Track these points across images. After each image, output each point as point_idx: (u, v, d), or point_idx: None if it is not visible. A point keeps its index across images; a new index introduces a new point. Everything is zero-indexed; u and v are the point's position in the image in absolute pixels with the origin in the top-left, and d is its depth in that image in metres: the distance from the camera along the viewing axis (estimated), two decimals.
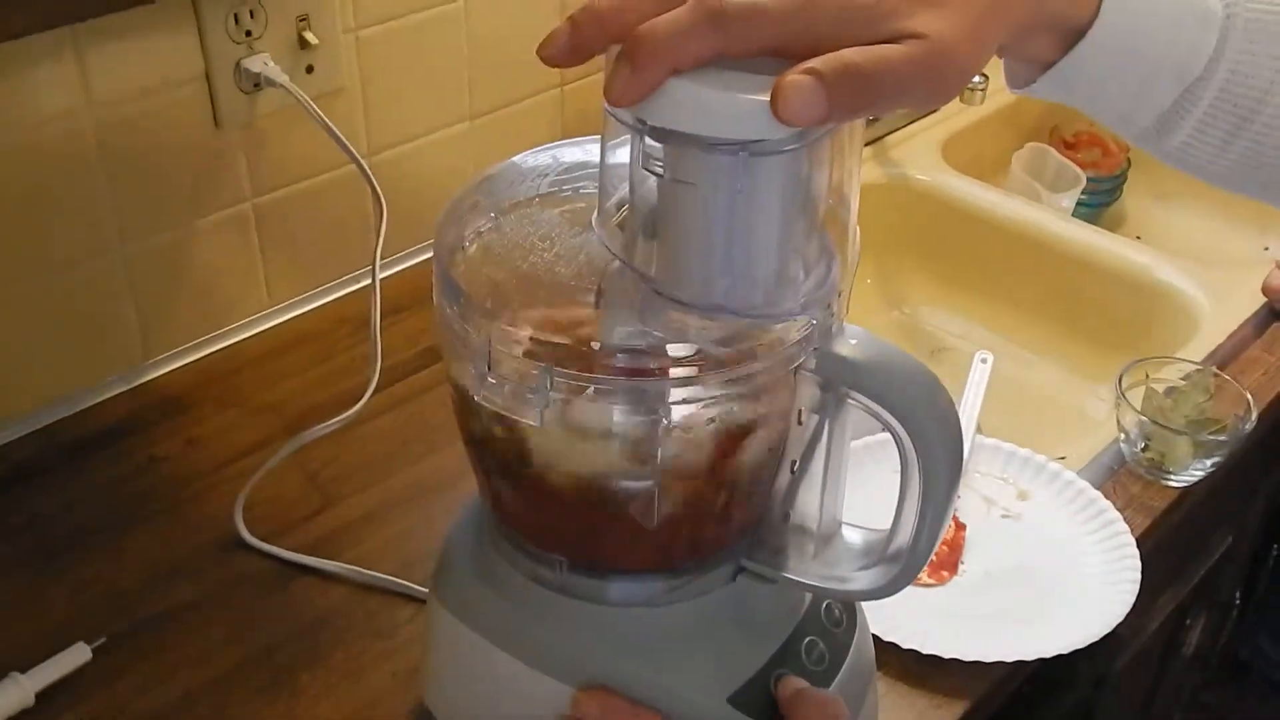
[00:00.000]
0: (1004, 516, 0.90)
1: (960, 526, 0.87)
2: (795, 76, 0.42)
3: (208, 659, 0.77)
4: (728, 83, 0.44)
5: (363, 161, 0.98)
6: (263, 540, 0.84)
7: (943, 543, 0.86)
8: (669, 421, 0.51)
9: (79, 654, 0.76)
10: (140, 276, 0.95)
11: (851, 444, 0.58)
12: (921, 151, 1.37)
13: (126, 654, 0.77)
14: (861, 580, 0.56)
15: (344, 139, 0.96)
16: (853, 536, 0.58)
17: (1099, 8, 0.52)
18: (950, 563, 0.85)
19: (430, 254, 0.55)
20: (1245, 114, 0.55)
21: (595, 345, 0.49)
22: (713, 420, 0.52)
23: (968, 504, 0.90)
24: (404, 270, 1.10)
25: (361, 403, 0.93)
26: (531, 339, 0.50)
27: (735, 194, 0.46)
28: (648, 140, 0.46)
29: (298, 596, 0.81)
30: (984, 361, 1.02)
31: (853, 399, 0.52)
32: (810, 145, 0.47)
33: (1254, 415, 0.93)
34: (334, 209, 1.04)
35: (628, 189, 0.50)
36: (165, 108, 0.91)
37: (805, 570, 0.57)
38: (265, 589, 0.82)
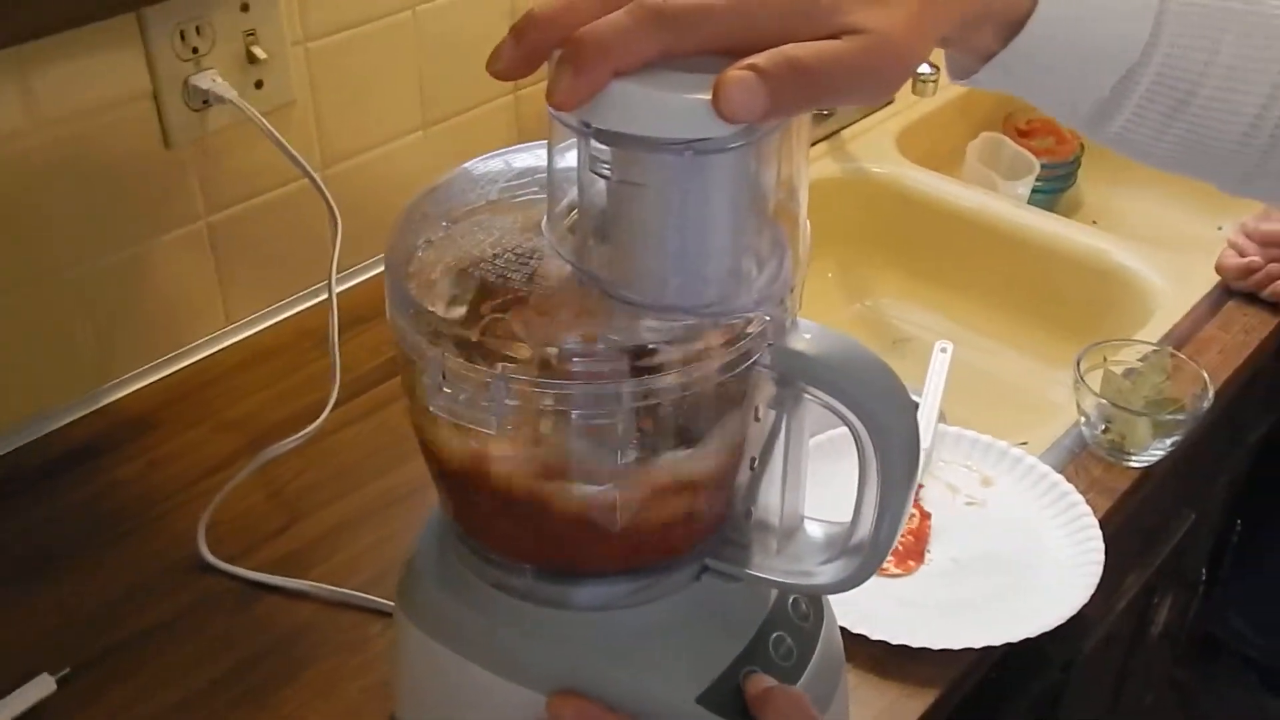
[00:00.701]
0: (968, 504, 0.90)
1: (925, 515, 0.88)
2: (736, 72, 0.42)
3: (176, 682, 0.77)
4: (671, 83, 0.44)
5: (316, 175, 0.97)
6: (229, 559, 0.83)
7: (908, 532, 0.86)
8: (627, 424, 0.51)
9: (43, 686, 0.75)
10: (96, 298, 0.94)
11: (813, 440, 0.59)
12: (877, 144, 1.38)
13: (92, 683, 0.76)
14: (826, 574, 0.57)
15: (296, 154, 0.95)
16: (815, 531, 0.58)
17: None
18: (916, 552, 0.85)
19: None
20: (1181, 97, 0.55)
21: (550, 350, 0.49)
22: (670, 419, 0.52)
23: (932, 492, 0.91)
24: (363, 282, 1.09)
25: (323, 417, 0.92)
26: (485, 347, 0.50)
27: (684, 193, 0.46)
28: (594, 143, 0.47)
29: (267, 615, 0.81)
30: (944, 351, 1.02)
31: (809, 394, 0.53)
32: (757, 141, 0.47)
33: (1211, 394, 0.94)
34: (289, 223, 1.04)
35: (577, 192, 0.50)
36: (114, 127, 0.90)
37: (769, 566, 0.57)
38: (233, 609, 0.81)
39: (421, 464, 0.59)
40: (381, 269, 1.16)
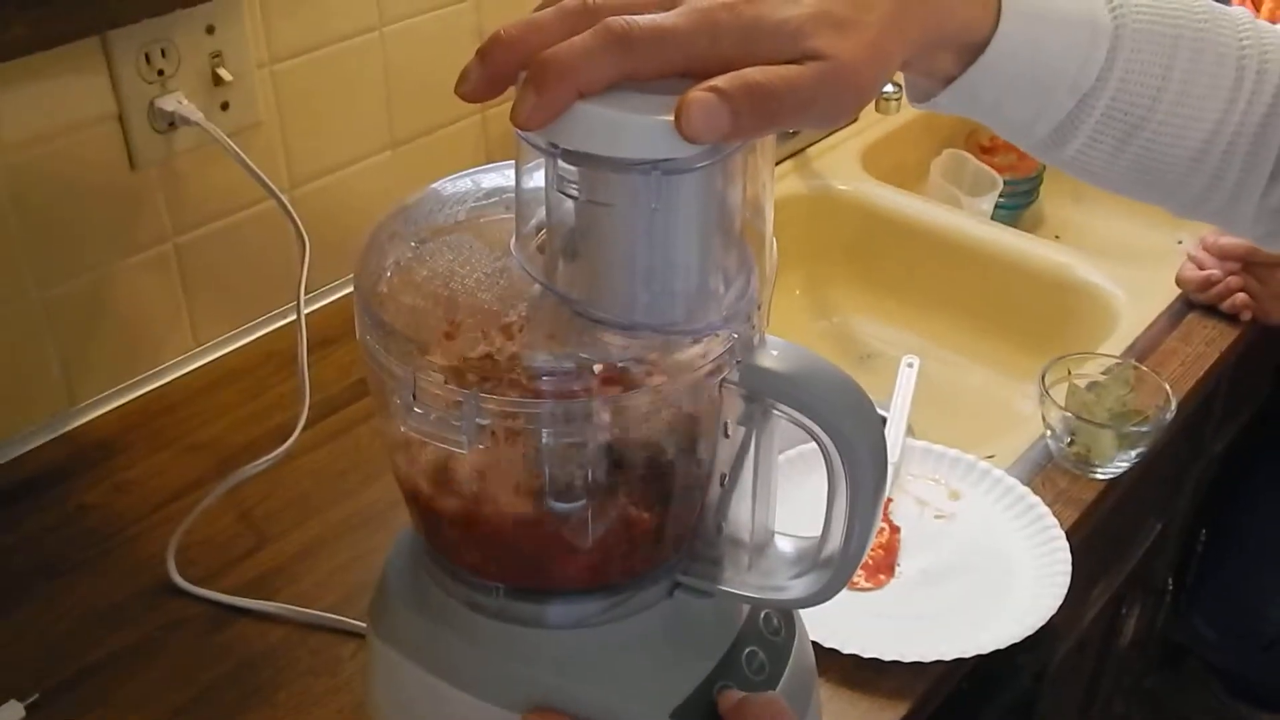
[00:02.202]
0: (937, 517, 0.91)
1: (895, 529, 0.88)
2: (698, 94, 0.43)
3: (146, 706, 0.76)
4: (635, 104, 0.44)
5: (283, 196, 0.97)
6: (198, 582, 0.83)
7: (878, 546, 0.87)
8: (597, 441, 0.51)
9: (12, 712, 0.74)
10: (61, 322, 0.93)
11: (782, 455, 0.59)
12: (842, 162, 1.39)
13: (61, 709, 0.76)
14: (797, 588, 0.57)
15: (262, 175, 0.95)
16: (785, 545, 0.58)
17: (996, 25, 0.53)
18: (886, 565, 0.86)
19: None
20: (1135, 122, 0.57)
21: (520, 369, 0.49)
22: (640, 437, 0.52)
23: (901, 506, 0.91)
24: (331, 303, 1.09)
25: (293, 438, 0.92)
26: (455, 367, 0.50)
27: (651, 212, 0.47)
28: (561, 163, 0.47)
29: (237, 638, 0.80)
30: (910, 366, 1.03)
31: (777, 409, 0.53)
32: (723, 160, 0.47)
33: (1174, 405, 0.95)
34: (256, 245, 1.03)
35: (545, 212, 0.50)
36: (78, 150, 0.90)
37: (741, 581, 0.57)
38: (204, 632, 0.81)
39: (392, 484, 0.59)
40: (350, 289, 1.15)
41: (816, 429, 0.52)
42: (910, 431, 0.99)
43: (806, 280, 1.37)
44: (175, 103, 0.93)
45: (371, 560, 0.84)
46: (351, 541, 0.87)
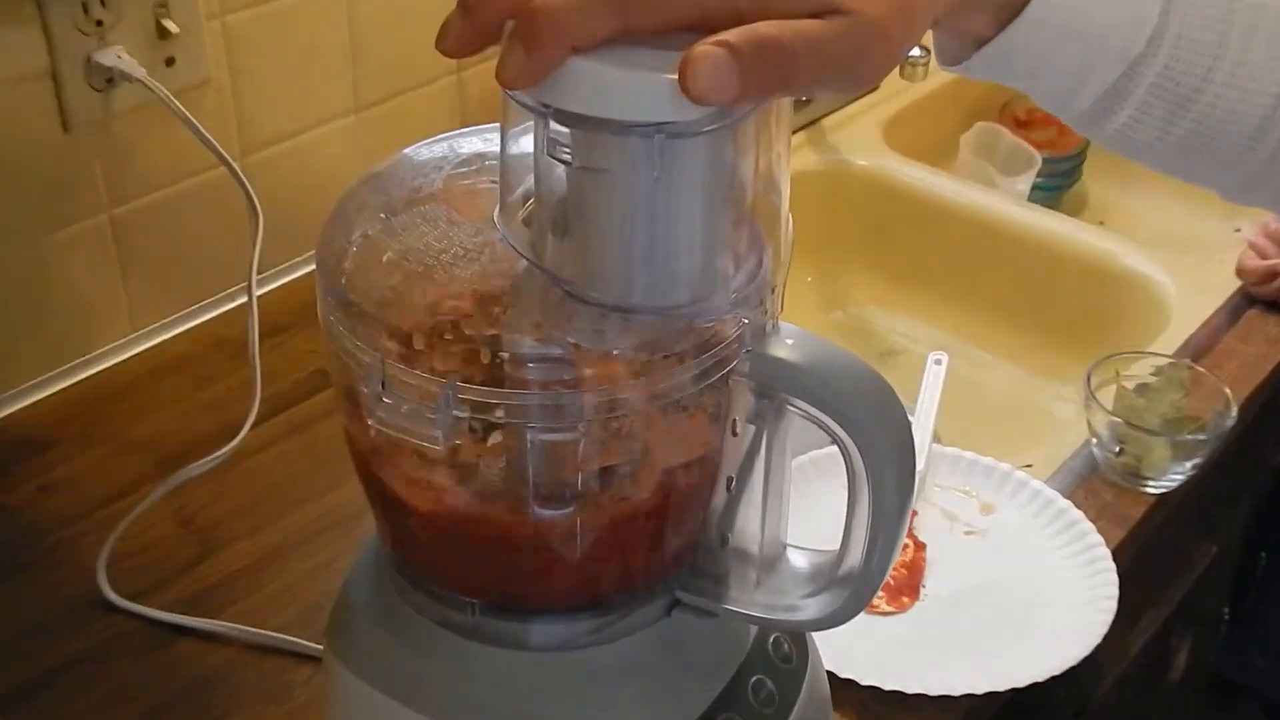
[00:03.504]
0: (967, 533, 0.91)
1: (920, 546, 0.88)
2: (705, 49, 0.43)
3: None
4: (636, 60, 0.44)
5: (234, 163, 0.97)
6: (134, 597, 0.83)
7: (901, 565, 0.87)
8: (588, 438, 0.51)
9: None
10: None
11: (796, 460, 0.59)
12: (861, 134, 1.39)
13: None
14: (811, 608, 0.57)
15: (211, 139, 0.95)
16: (799, 560, 0.58)
17: None
18: (910, 587, 0.86)
19: (314, 264, 0.55)
20: (1188, 93, 0.56)
21: (503, 356, 0.49)
22: (637, 435, 0.52)
23: (927, 521, 0.91)
24: (286, 284, 1.09)
25: (242, 435, 0.92)
26: (430, 352, 0.50)
27: (652, 181, 0.46)
28: (552, 125, 0.47)
29: (179, 659, 0.80)
30: (938, 363, 1.03)
31: (792, 406, 0.53)
32: (733, 126, 0.47)
33: (1234, 411, 0.95)
34: (203, 218, 1.03)
35: (533, 180, 0.50)
36: (4, 110, 0.90)
37: (748, 600, 0.57)
38: (140, 653, 0.80)
39: (355, 487, 0.59)
40: (309, 268, 1.15)
41: (836, 428, 0.52)
42: (937, 438, 0.99)
43: (819, 267, 1.37)
44: (115, 57, 0.92)
45: (330, 573, 0.84)
46: (307, 552, 0.87)
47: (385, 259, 0.53)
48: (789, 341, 0.52)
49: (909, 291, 1.35)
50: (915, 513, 0.91)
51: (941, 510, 0.92)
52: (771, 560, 0.58)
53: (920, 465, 0.93)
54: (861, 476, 0.53)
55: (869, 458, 0.53)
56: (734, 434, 0.54)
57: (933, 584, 0.87)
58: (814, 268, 1.36)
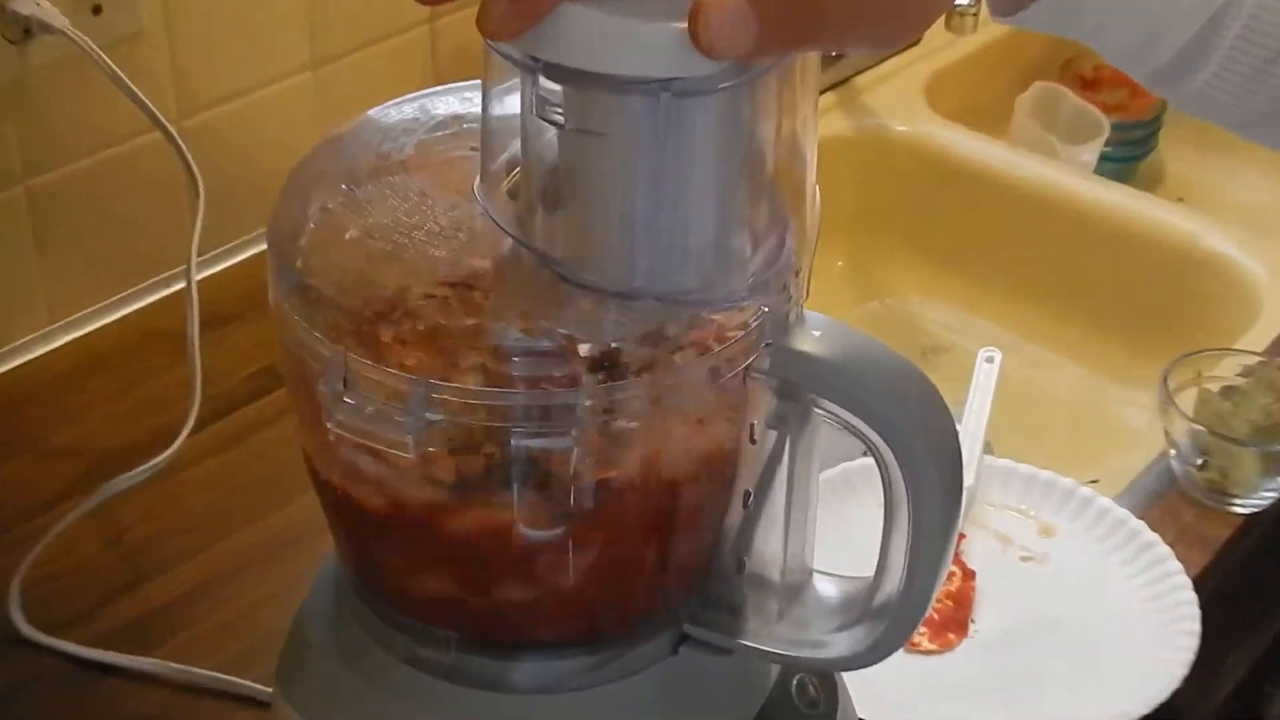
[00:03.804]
0: (1024, 559, 0.91)
1: (968, 574, 0.89)
2: None
3: None
4: (639, 7, 0.44)
5: (170, 127, 0.97)
6: (53, 630, 0.83)
7: (946, 596, 0.87)
8: (583, 445, 0.51)
9: None
10: None
11: (824, 473, 0.59)
12: (901, 95, 1.39)
13: None
14: (840, 644, 0.57)
15: (144, 99, 0.95)
16: (827, 588, 0.59)
17: None
18: (957, 622, 0.86)
19: (264, 244, 0.55)
20: (1278, 46, 0.57)
21: (484, 350, 0.49)
22: (639, 441, 0.52)
23: (977, 544, 0.91)
24: (231, 268, 1.09)
25: (179, 442, 0.92)
26: (400, 345, 0.50)
27: (657, 147, 0.47)
28: (542, 82, 0.47)
29: (104, 703, 0.80)
30: (990, 361, 1.03)
31: (820, 408, 0.53)
32: (751, 83, 0.47)
33: None
34: (134, 191, 1.03)
35: (519, 146, 0.50)
36: None
37: (768, 634, 0.58)
38: (60, 695, 0.81)
39: (310, 503, 0.59)
40: (259, 249, 1.15)
41: (871, 434, 0.52)
42: (989, 448, 0.99)
43: (851, 250, 1.37)
44: (32, 4, 0.93)
45: (281, 604, 0.84)
46: (254, 579, 0.87)
47: (348, 237, 0.53)
48: (815, 333, 0.52)
49: (956, 278, 1.35)
50: (963, 535, 0.91)
51: (993, 533, 0.93)
52: (795, 588, 0.58)
53: (969, 479, 0.93)
54: (900, 492, 0.54)
55: (909, 469, 0.53)
56: (752, 441, 0.55)
57: (983, 618, 0.87)
58: (845, 251, 1.36)
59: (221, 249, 1.09)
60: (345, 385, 0.50)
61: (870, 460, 0.54)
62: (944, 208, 1.35)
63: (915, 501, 0.53)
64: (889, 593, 0.56)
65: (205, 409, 0.95)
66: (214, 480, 0.94)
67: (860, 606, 0.57)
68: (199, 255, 0.99)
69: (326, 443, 0.54)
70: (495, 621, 0.57)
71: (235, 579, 0.87)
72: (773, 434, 0.55)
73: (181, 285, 1.00)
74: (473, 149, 0.55)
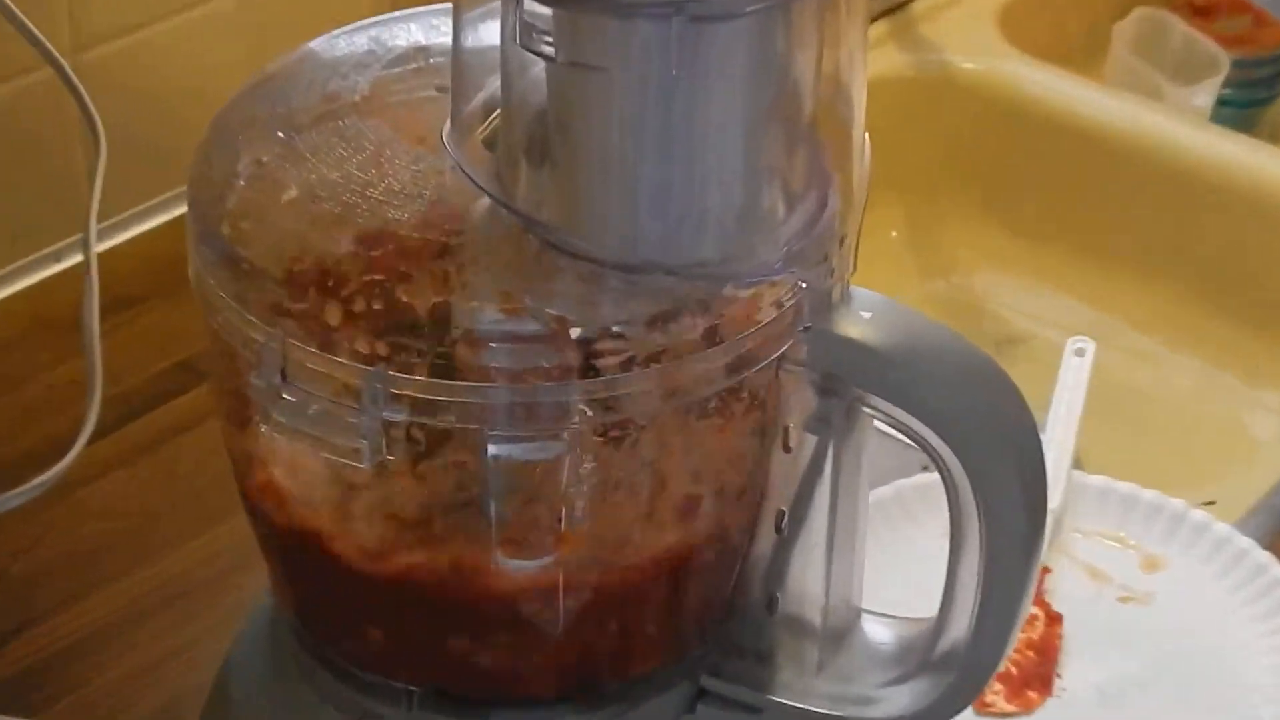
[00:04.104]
0: (1123, 599, 0.91)
1: (1054, 618, 0.89)
2: None
3: None
4: None
5: (64, 62, 0.97)
6: None
7: (1025, 645, 0.87)
8: (577, 454, 0.51)
9: None
10: None
11: (875, 492, 0.59)
12: (969, 25, 1.39)
13: None
14: (895, 701, 0.57)
15: (32, 27, 0.95)
16: (879, 632, 0.59)
17: None
18: (1040, 677, 0.86)
19: (183, 206, 0.55)
20: None
21: (454, 334, 0.50)
22: (646, 449, 0.53)
23: (1065, 581, 0.91)
24: (138, 237, 1.09)
25: (74, 454, 0.92)
26: (352, 328, 0.50)
27: (669, 83, 0.47)
28: (528, 4, 0.47)
29: None
30: (1080, 354, 1.03)
31: (870, 409, 0.53)
32: (784, 5, 0.48)
33: None
34: (19, 142, 1.03)
35: (499, 85, 0.50)
36: None
37: (805, 689, 0.58)
38: None
39: (239, 528, 0.59)
40: (175, 213, 1.14)
41: (936, 441, 0.53)
42: (1078, 462, 0.99)
43: (908, 215, 1.37)
44: None
45: (202, 653, 0.84)
46: (168, 623, 0.87)
47: (287, 197, 0.53)
48: (865, 314, 0.53)
49: (1038, 251, 1.35)
50: (1047, 569, 0.91)
51: (1084, 566, 0.92)
52: (840, 632, 0.59)
53: (1054, 500, 0.93)
54: (970, 513, 0.54)
55: (982, 486, 0.53)
56: (786, 450, 0.55)
57: (1073, 673, 0.87)
58: (900, 217, 1.36)
59: (127, 214, 1.10)
60: (284, 378, 0.51)
61: (931, 476, 0.54)
62: (1022, 164, 1.35)
63: (989, 526, 0.54)
64: (955, 639, 0.56)
65: (107, 412, 0.95)
66: (117, 500, 0.93)
67: (920, 655, 0.58)
68: (100, 221, 0.98)
69: (261, 451, 0.54)
70: (467, 673, 0.58)
71: (144, 623, 0.87)
72: (812, 440, 0.55)
73: (77, 259, 1.00)
74: (440, 89, 0.55)
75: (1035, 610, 0.88)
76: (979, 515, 0.54)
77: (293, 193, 0.53)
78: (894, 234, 1.36)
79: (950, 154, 1.36)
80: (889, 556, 0.76)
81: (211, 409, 0.70)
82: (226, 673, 0.63)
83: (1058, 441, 0.97)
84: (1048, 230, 1.35)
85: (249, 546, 0.60)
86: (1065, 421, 0.99)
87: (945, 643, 0.57)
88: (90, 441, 0.93)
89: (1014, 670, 0.86)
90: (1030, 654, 0.87)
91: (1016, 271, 1.36)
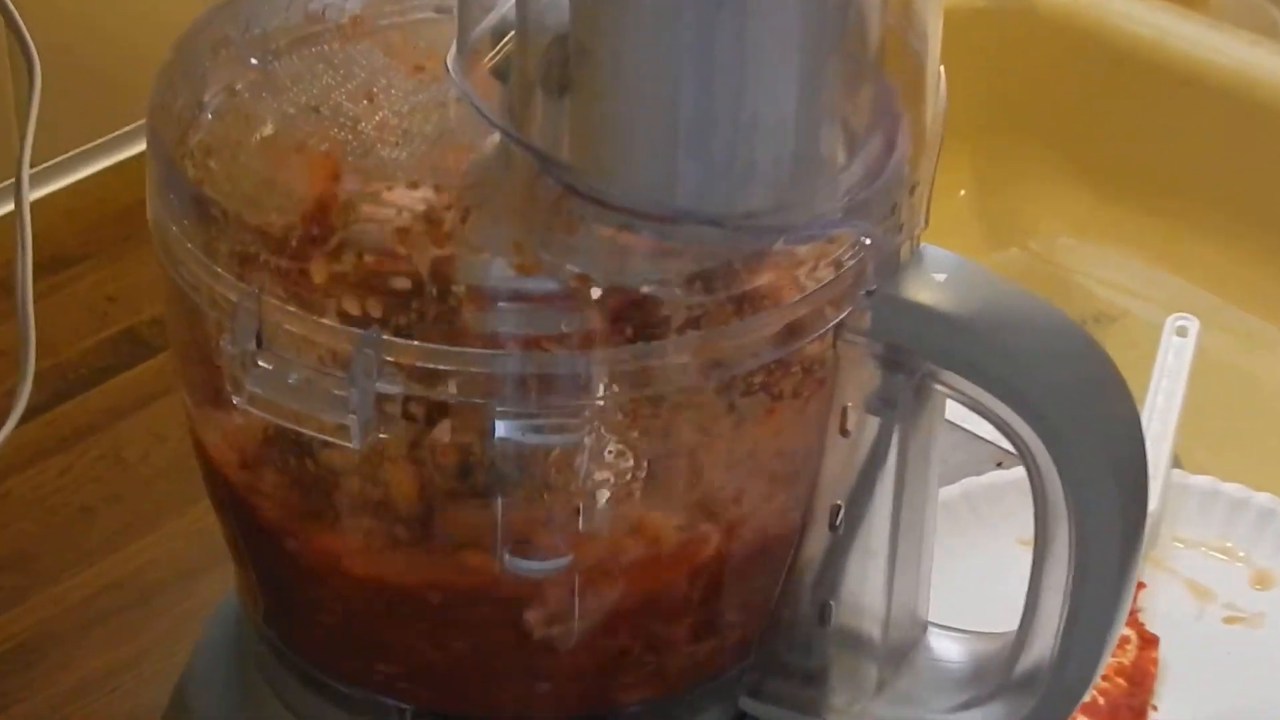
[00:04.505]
0: (1229, 620, 0.91)
1: (1149, 641, 0.89)
2: None
3: None
4: None
5: None
6: None
7: (1116, 671, 0.87)
8: (599, 436, 0.52)
9: None
10: None
11: (945, 490, 0.59)
12: None
13: None
14: None
15: None
16: (948, 649, 0.60)
17: None
18: (1132, 709, 0.86)
19: (132, 147, 0.55)
20: None
21: (457, 292, 0.50)
22: (680, 431, 0.53)
23: (1161, 598, 0.91)
24: (77, 184, 1.10)
25: (1, 438, 0.92)
26: (340, 285, 0.50)
27: (711, 8, 0.47)
28: None
29: None
30: (1182, 334, 1.03)
31: (943, 387, 0.54)
32: None
33: None
34: None
35: (511, 3, 0.50)
36: None
37: (860, 713, 0.58)
38: None
39: (196, 522, 0.59)
40: (121, 155, 1.14)
41: (1021, 427, 0.53)
42: (1177, 460, 0.99)
43: (981, 172, 1.37)
44: None
45: (154, 664, 0.84)
46: (115, 630, 0.87)
47: (262, 134, 0.54)
48: (939, 276, 0.53)
49: (1133, 214, 1.35)
50: (1141, 584, 0.92)
51: (1185, 581, 0.92)
52: (903, 648, 0.59)
53: (1151, 503, 0.94)
54: (1059, 514, 0.54)
55: (1074, 481, 0.53)
56: (844, 434, 0.55)
57: (1170, 704, 0.87)
58: (971, 173, 1.36)
59: (66, 156, 1.10)
60: (259, 343, 0.51)
61: (1005, 474, 0.54)
62: (1115, 110, 1.35)
63: (1080, 529, 0.54)
64: (1038, 658, 0.57)
65: (41, 389, 0.95)
66: (52, 492, 0.94)
67: (996, 676, 0.58)
68: (32, 166, 0.99)
69: (231, 430, 0.55)
70: (467, 690, 0.58)
71: (88, 632, 0.87)
72: (875, 423, 0.55)
73: (6, 209, 1.00)
74: (440, 9, 0.55)
75: (1127, 631, 0.88)
76: (1069, 515, 0.54)
77: (269, 127, 0.54)
78: (962, 193, 1.36)
79: (1030, 98, 1.36)
80: (955, 567, 0.76)
81: (163, 386, 0.71)
82: (185, 688, 0.64)
83: (1155, 435, 0.97)
84: (1143, 191, 1.35)
85: (208, 544, 0.60)
86: (1164, 412, 0.99)
87: (1026, 662, 0.57)
88: (21, 423, 0.94)
89: (1101, 701, 0.86)
90: (1121, 681, 0.87)
91: (1107, 239, 1.36)
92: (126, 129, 1.03)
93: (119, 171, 1.09)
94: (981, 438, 0.88)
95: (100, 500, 0.94)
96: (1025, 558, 0.57)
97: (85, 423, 0.97)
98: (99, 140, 1.10)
